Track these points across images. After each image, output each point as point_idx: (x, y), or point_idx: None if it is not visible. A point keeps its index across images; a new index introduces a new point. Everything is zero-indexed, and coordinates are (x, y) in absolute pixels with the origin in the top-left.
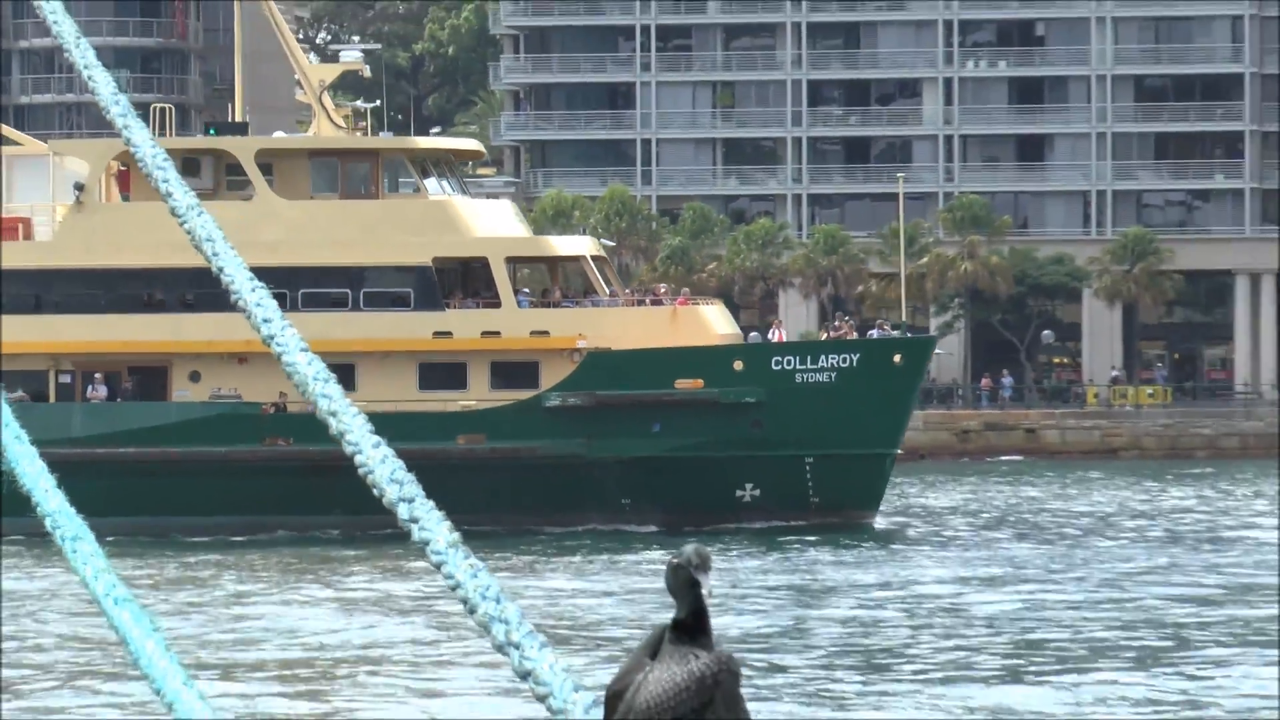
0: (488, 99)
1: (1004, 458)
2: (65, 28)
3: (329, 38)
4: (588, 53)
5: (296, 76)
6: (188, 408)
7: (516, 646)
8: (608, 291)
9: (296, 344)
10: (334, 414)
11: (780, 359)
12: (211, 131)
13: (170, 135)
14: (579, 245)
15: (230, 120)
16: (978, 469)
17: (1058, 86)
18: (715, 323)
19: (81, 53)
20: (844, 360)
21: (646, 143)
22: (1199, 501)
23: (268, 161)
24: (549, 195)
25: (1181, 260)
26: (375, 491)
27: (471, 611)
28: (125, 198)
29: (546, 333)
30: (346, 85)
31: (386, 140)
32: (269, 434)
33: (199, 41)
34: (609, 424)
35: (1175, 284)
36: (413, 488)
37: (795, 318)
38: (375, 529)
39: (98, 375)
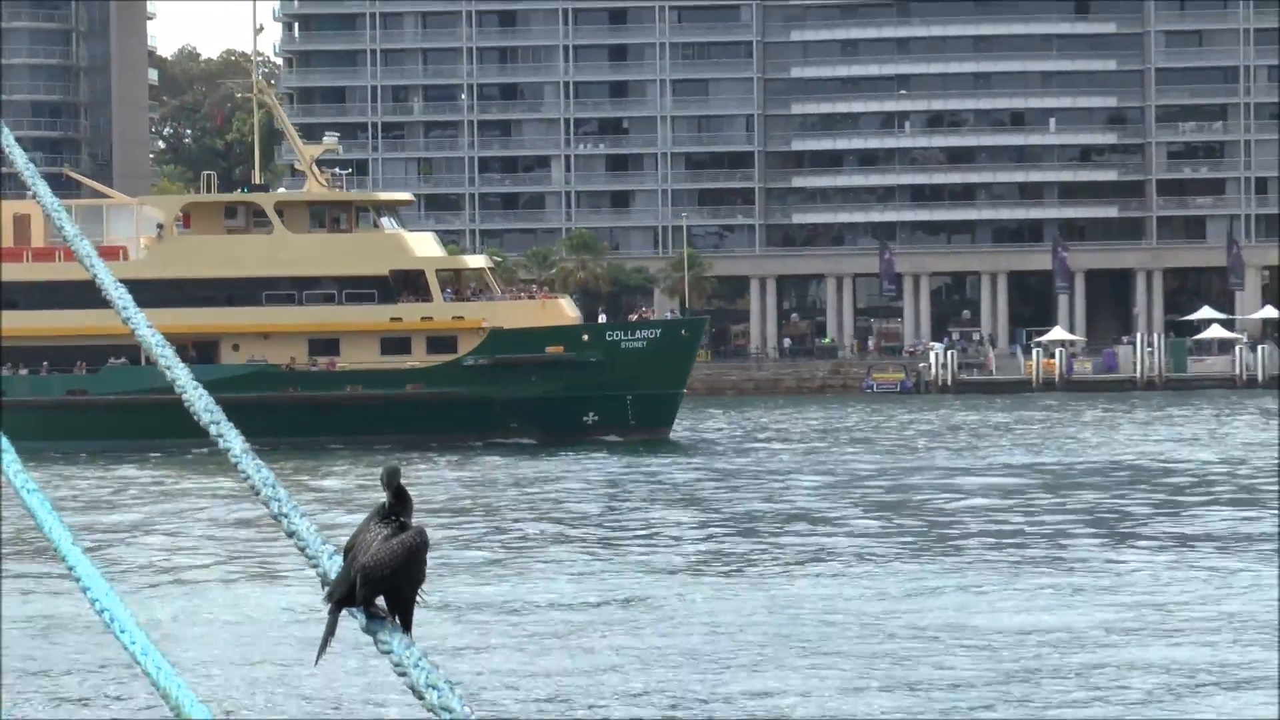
0: (274, 170)
1: None
2: None
3: (170, 131)
4: (340, 139)
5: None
6: (233, 368)
7: (285, 515)
8: (499, 291)
9: (144, 322)
10: (169, 368)
11: (612, 333)
12: (245, 190)
13: (214, 192)
14: (480, 261)
15: (255, 183)
16: None
17: (636, 160)
18: (568, 310)
19: (5, 138)
20: (652, 334)
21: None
22: (736, 419)
23: (280, 208)
24: None
25: (716, 270)
26: (195, 418)
27: (256, 493)
28: (185, 231)
29: (462, 317)
30: (182, 159)
31: (356, 194)
32: (285, 385)
33: (88, 133)
34: (503, 376)
35: (712, 284)
36: (219, 414)
37: None
38: (362, 445)
39: (173, 347)
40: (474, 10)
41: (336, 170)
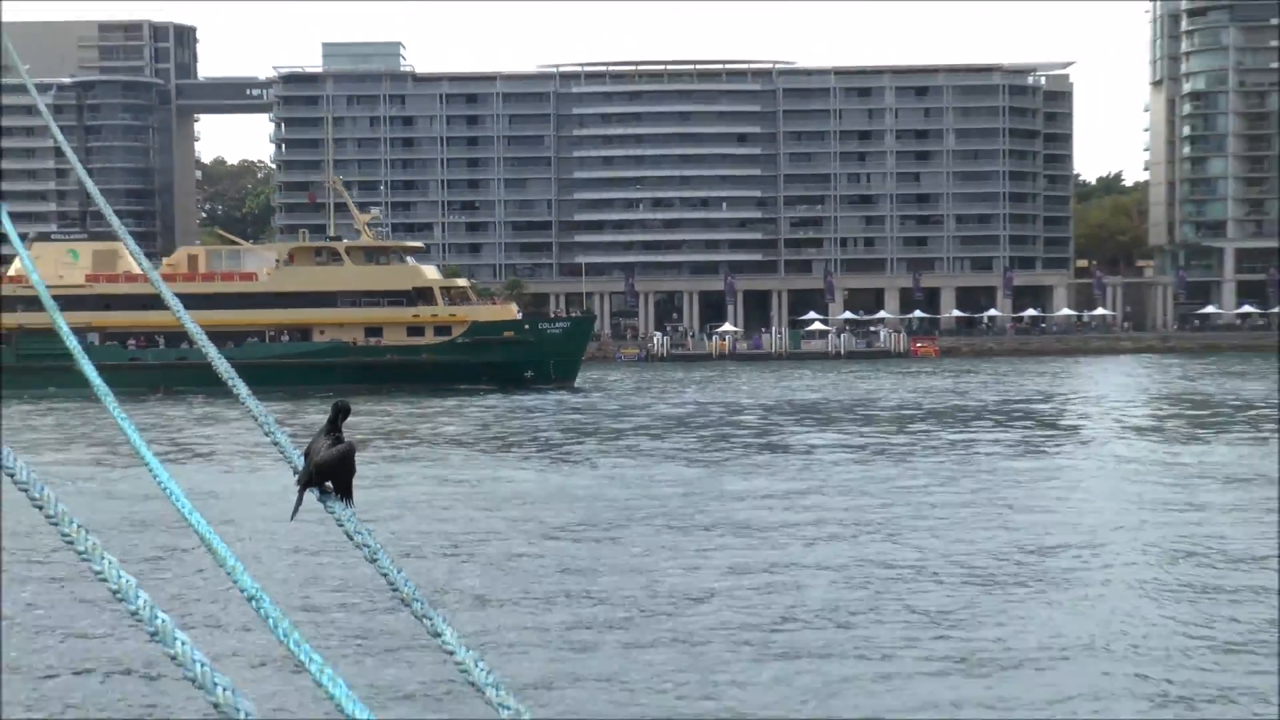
0: (269, 231)
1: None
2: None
3: (209, 207)
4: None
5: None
6: (319, 344)
7: (272, 432)
8: (475, 299)
9: (189, 319)
10: (204, 346)
11: (542, 324)
12: (327, 239)
13: (306, 241)
14: (464, 283)
15: (331, 235)
16: None
17: (483, 226)
18: (515, 311)
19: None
20: (565, 325)
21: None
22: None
23: (348, 251)
24: None
25: (531, 290)
26: (225, 380)
27: (256, 420)
28: (290, 264)
29: (455, 315)
30: (215, 223)
31: (392, 242)
32: (351, 354)
33: (159, 208)
34: (479, 350)
35: (528, 299)
36: (233, 372)
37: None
38: (393, 394)
39: (285, 332)
40: (388, 137)
41: (379, 229)
